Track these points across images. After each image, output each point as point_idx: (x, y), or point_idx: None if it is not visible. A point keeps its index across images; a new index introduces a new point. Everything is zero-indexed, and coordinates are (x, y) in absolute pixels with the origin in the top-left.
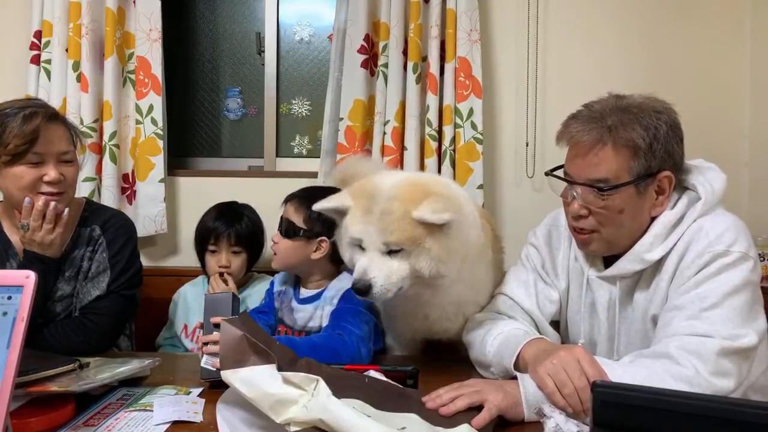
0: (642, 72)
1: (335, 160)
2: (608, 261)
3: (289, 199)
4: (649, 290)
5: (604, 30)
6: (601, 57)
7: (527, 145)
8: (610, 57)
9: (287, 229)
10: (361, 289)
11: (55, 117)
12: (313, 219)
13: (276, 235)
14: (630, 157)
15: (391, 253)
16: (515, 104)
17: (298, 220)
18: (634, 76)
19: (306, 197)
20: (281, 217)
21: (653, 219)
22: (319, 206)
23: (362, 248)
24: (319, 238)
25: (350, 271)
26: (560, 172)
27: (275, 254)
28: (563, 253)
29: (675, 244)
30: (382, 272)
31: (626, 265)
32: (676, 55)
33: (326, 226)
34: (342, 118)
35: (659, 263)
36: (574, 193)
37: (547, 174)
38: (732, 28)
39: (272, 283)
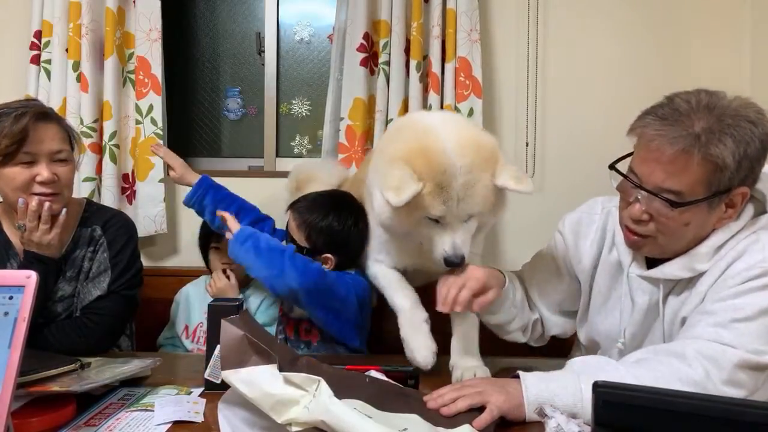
0: (642, 72)
1: (336, 160)
2: (651, 258)
3: (290, 208)
4: (684, 293)
5: (604, 30)
6: (601, 57)
7: (527, 145)
8: (610, 57)
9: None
10: (457, 262)
11: (45, 116)
12: (314, 237)
13: None
14: (712, 172)
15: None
16: (515, 104)
17: (300, 238)
18: (634, 76)
19: (305, 212)
20: (286, 229)
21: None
22: (398, 201)
23: (438, 221)
24: (324, 255)
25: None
26: (623, 164)
27: None
28: (591, 239)
29: (726, 253)
30: (467, 241)
31: (674, 271)
32: (675, 54)
33: (327, 242)
34: (342, 118)
35: None
36: (639, 196)
37: (611, 167)
38: (732, 27)
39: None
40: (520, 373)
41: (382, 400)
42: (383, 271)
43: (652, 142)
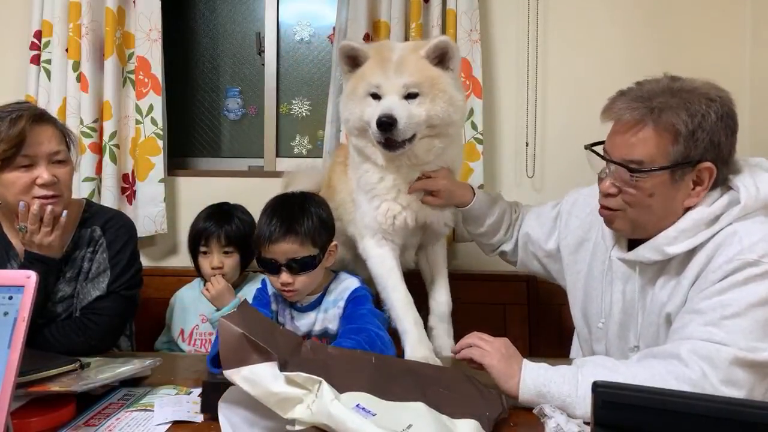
0: (642, 71)
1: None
2: (632, 245)
3: (282, 238)
4: (669, 286)
5: (604, 30)
6: (601, 57)
7: (527, 145)
8: (610, 57)
9: (304, 266)
10: (387, 123)
11: (41, 118)
12: (319, 234)
13: (285, 276)
14: (669, 142)
15: (408, 98)
16: (515, 104)
17: (311, 251)
18: (635, 76)
19: (296, 228)
20: (285, 262)
21: (687, 209)
22: (347, 43)
23: (379, 97)
24: (332, 246)
25: (348, 272)
26: (600, 148)
27: (292, 292)
28: (581, 220)
29: (703, 245)
30: (405, 112)
31: (645, 252)
32: (675, 53)
33: (327, 233)
34: None
35: (686, 261)
36: (607, 171)
37: (586, 147)
38: (732, 26)
39: (264, 283)
40: (525, 359)
41: (388, 386)
42: (382, 257)
43: (616, 115)
